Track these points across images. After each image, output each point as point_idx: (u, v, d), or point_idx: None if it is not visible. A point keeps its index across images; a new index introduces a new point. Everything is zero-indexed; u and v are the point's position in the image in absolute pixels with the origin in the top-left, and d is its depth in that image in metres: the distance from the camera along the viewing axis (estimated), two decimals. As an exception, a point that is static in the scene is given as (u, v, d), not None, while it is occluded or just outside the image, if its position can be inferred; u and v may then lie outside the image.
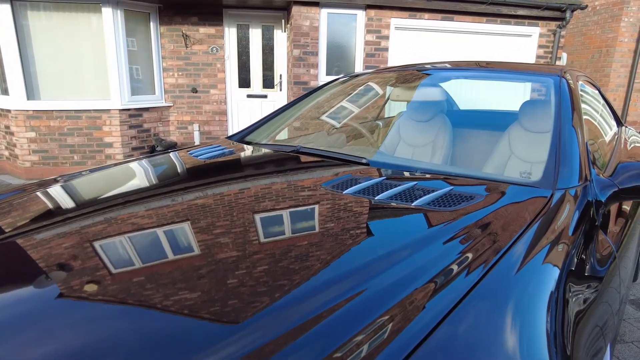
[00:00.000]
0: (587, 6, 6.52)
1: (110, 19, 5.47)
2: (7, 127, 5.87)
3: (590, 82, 2.26)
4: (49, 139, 5.77)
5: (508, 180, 1.18)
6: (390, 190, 1.08)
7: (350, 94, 2.67)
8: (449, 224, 0.89)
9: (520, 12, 6.00)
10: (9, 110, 5.68)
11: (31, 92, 5.67)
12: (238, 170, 1.38)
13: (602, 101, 2.49)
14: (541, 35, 6.31)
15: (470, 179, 1.22)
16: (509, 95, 5.51)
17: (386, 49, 5.92)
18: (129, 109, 5.89)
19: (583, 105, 1.82)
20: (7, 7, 5.30)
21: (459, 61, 2.58)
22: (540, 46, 6.37)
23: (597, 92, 2.36)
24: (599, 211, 1.13)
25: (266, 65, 6.48)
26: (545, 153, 1.25)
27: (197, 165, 1.49)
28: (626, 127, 2.97)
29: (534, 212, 0.96)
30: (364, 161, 1.39)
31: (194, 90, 6.36)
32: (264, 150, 1.66)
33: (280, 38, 6.30)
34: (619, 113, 7.54)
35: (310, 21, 5.69)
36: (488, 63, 2.36)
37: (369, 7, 5.73)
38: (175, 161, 1.59)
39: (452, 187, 1.10)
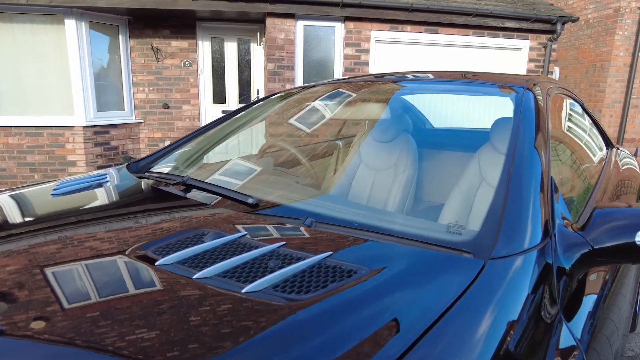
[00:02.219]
0: (578, 18, 6.23)
1: (73, 31, 5.17)
2: (-36, 144, 5.52)
3: (570, 96, 1.90)
4: (7, 157, 5.42)
5: (429, 238, 0.80)
6: (232, 259, 0.71)
7: (298, 109, 2.30)
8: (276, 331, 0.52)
9: (509, 24, 5.70)
10: (-35, 127, 5.35)
11: (-11, 107, 5.34)
12: (70, 212, 1.01)
13: (587, 119, 2.12)
14: (531, 49, 6.00)
15: (376, 233, 0.84)
16: (490, 111, 5.14)
17: (366, 63, 5.61)
18: (94, 126, 5.55)
19: (557, 125, 1.45)
20: (-37, 19, 5.02)
21: (416, 71, 2.22)
22: (531, 60, 6.05)
23: (579, 107, 2.00)
24: (562, 285, 0.76)
25: (242, 80, 6.16)
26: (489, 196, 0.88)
27: (36, 203, 1.12)
28: (618, 148, 2.59)
29: (444, 303, 0.59)
30: (249, 201, 1.02)
31: (166, 106, 6.03)
32: (144, 184, 1.28)
33: (257, 52, 6.00)
34: (616, 130, 7.19)
35: (286, 34, 5.39)
36: (446, 73, 2.01)
37: (347, 19, 5.43)
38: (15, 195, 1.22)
39: (329, 254, 0.73)
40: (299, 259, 0.70)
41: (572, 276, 0.79)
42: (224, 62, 6.05)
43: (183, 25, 5.78)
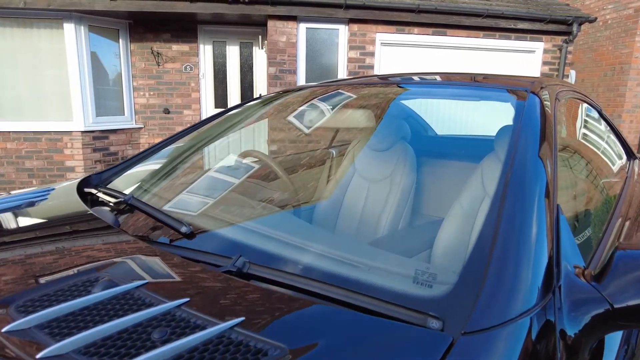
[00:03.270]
0: (596, 19, 5.93)
1: (72, 35, 5.08)
2: (-36, 149, 5.47)
3: (585, 101, 1.67)
4: (5, 162, 5.35)
5: (389, 293, 0.59)
6: (109, 324, 0.51)
7: (286, 114, 2.10)
8: None
9: (521, 25, 5.44)
10: (-36, 132, 5.29)
11: (-12, 112, 5.28)
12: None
13: (605, 126, 1.88)
14: (545, 51, 5.72)
15: (321, 283, 0.64)
16: (495, 116, 4.87)
17: (371, 67, 5.40)
18: (93, 131, 5.45)
19: (568, 134, 1.23)
20: (-38, 23, 4.97)
21: (413, 73, 2.01)
22: (545, 63, 5.77)
23: (596, 113, 1.76)
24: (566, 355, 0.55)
25: (245, 84, 6.01)
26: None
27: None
28: (640, 158, 2.33)
29: None
30: (182, 230, 0.82)
31: (166, 111, 5.90)
32: (77, 204, 1.09)
33: (259, 55, 5.85)
34: (637, 137, 6.83)
35: (287, 37, 5.22)
36: (452, 75, 1.79)
37: (351, 21, 5.24)
38: None
39: (239, 321, 0.53)
40: (195, 328, 0.51)
41: (580, 345, 0.58)
42: (225, 66, 5.91)
43: (184, 28, 5.65)
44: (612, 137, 2.02)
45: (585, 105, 1.69)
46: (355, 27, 5.27)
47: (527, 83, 1.27)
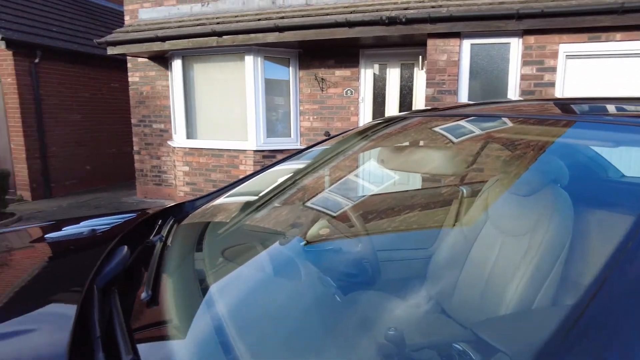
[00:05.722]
0: None
1: (251, 66, 5.80)
2: (173, 161, 6.82)
3: None
4: (197, 174, 6.42)
5: None
6: None
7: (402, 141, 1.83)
8: None
9: None
10: (174, 148, 6.59)
11: (190, 132, 6.46)
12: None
13: None
14: None
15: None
16: None
17: (552, 84, 4.49)
18: (263, 150, 6.08)
19: None
20: (179, 62, 6.23)
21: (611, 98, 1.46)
22: None
23: None
24: None
25: (404, 106, 5.79)
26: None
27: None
28: None
29: None
30: (142, 297, 0.70)
31: (327, 134, 6.15)
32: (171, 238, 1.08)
33: (420, 77, 5.55)
34: None
35: (448, 55, 4.80)
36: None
37: (526, 32, 4.47)
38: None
39: None
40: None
41: None
42: (384, 89, 5.82)
43: (346, 54, 5.82)
44: None
45: None
46: (531, 39, 4.48)
47: None
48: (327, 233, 1.46)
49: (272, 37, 5.31)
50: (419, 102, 5.64)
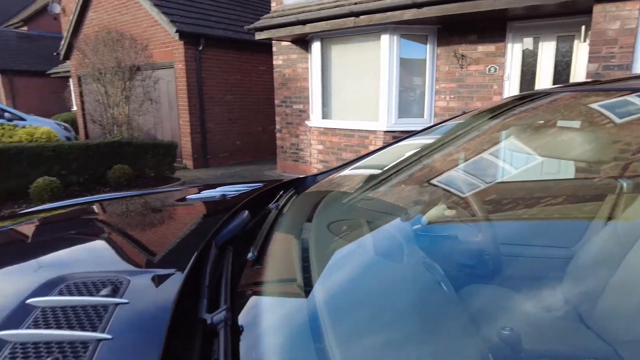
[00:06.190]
0: None
1: (386, 45, 5.71)
2: (309, 139, 7.19)
3: None
4: (330, 152, 6.67)
5: None
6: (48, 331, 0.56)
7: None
8: None
9: None
10: (310, 127, 6.95)
11: (325, 112, 6.72)
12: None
13: None
14: None
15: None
16: None
17: None
18: (393, 131, 6.00)
19: None
20: (318, 44, 6.47)
21: None
22: None
23: None
24: None
25: (558, 84, 5.07)
26: None
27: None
28: None
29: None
30: (248, 256, 0.78)
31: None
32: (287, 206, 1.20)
33: (581, 50, 4.77)
34: None
35: (622, 23, 4.00)
36: None
37: None
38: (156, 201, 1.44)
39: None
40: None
41: None
42: (535, 66, 5.16)
43: (491, 27, 5.30)
44: None
45: None
46: None
47: None
48: (450, 215, 1.38)
49: (409, 14, 5.13)
50: (578, 79, 4.87)
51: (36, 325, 0.59)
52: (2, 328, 0.59)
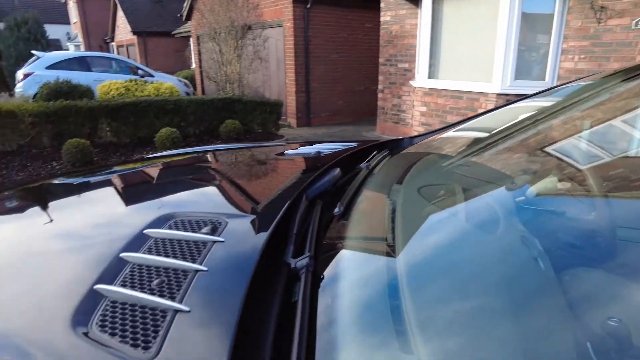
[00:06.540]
0: None
1: (508, -3, 5.13)
2: (412, 100, 6.94)
3: None
4: (434, 114, 6.38)
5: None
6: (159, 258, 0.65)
7: None
8: None
9: None
10: (414, 87, 6.68)
11: (432, 72, 6.38)
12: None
13: None
14: None
15: None
16: None
17: None
18: (507, 94, 5.49)
19: None
20: (429, 1, 6.06)
21: None
22: None
23: None
24: None
25: None
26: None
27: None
28: None
29: None
30: (335, 211, 0.82)
31: (595, 78, 5.02)
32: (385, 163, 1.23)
33: None
34: None
35: None
36: None
37: None
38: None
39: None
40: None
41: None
42: (700, 18, 4.23)
43: (646, -29, 4.43)
44: None
45: None
46: None
47: None
48: (563, 188, 1.25)
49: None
50: None
51: (149, 252, 0.69)
52: (125, 250, 0.70)
